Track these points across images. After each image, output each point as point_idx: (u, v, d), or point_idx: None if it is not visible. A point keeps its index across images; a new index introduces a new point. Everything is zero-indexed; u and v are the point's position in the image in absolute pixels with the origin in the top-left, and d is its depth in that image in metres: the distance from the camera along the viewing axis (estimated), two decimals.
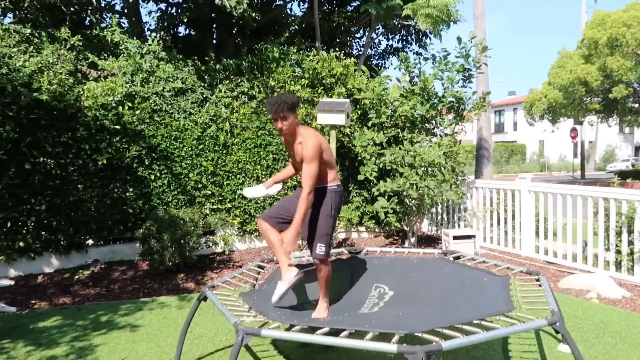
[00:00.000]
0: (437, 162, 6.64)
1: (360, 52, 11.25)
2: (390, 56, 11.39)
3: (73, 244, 6.24)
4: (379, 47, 11.65)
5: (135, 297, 5.33)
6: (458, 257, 4.21)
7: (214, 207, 6.91)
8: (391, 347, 2.36)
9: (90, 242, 6.51)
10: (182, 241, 5.89)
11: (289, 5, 10.49)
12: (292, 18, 10.13)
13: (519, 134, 41.16)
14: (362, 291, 3.71)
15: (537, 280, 3.42)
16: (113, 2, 8.27)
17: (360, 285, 3.79)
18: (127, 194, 6.38)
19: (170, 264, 5.93)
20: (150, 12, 10.00)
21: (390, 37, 10.42)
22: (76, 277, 5.93)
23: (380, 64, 11.86)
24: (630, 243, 5.37)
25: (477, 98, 7.33)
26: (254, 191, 3.87)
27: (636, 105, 21.28)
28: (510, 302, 3.02)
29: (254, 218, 7.15)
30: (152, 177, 6.50)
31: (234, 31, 9.46)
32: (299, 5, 10.62)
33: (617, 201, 5.47)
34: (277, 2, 9.81)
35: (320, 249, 3.34)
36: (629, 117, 21.61)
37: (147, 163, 6.46)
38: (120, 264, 6.47)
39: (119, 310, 4.83)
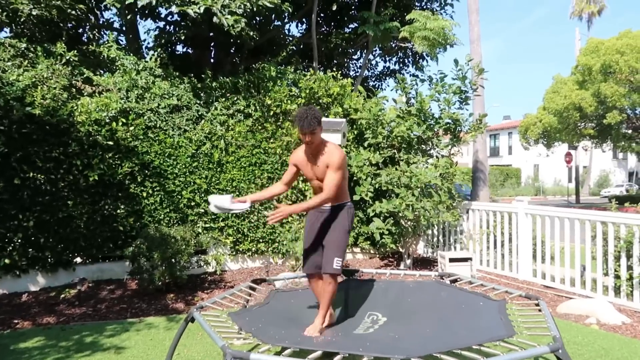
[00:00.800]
0: (434, 183, 6.57)
1: (357, 74, 11.29)
2: (387, 78, 11.43)
3: (60, 261, 6.08)
4: (376, 68, 11.71)
5: (123, 318, 5.16)
6: (455, 280, 4.10)
7: (207, 225, 6.79)
8: None
9: (78, 260, 6.36)
10: (172, 260, 5.75)
11: (287, 27, 10.57)
12: (290, 39, 10.18)
13: (514, 157, 41.35)
14: (355, 317, 3.60)
15: (537, 305, 3.32)
16: (111, 20, 8.29)
17: (353, 311, 3.68)
18: (118, 211, 6.26)
19: (159, 283, 5.78)
20: (148, 30, 10.02)
21: (388, 59, 10.49)
22: (62, 295, 5.76)
23: (377, 86, 11.89)
24: (629, 268, 5.28)
25: (473, 120, 7.32)
26: (218, 200, 3.56)
27: (630, 131, 21.44)
28: (511, 327, 2.91)
29: (247, 237, 7.03)
30: (144, 194, 6.39)
31: (231, 50, 9.48)
32: (297, 26, 10.64)
33: (615, 225, 5.40)
34: (276, 23, 9.86)
35: (337, 263, 3.34)
36: (623, 143, 21.74)
37: (139, 180, 6.36)
38: (108, 282, 6.31)
39: (105, 331, 4.67)
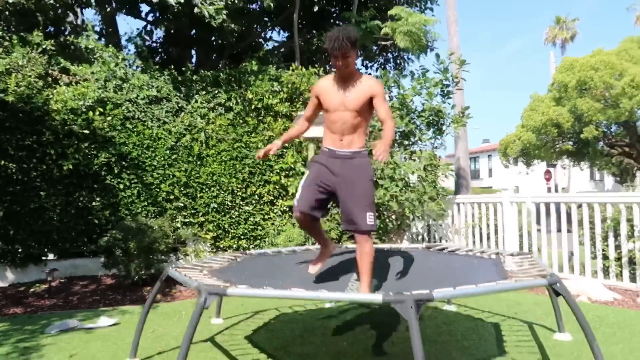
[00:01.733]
0: (418, 174, 6.49)
1: None
2: None
3: (31, 256, 5.79)
4: None
5: (95, 307, 4.88)
6: (443, 249, 3.97)
7: (186, 220, 6.57)
8: (376, 297, 2.08)
9: (50, 255, 6.06)
10: (150, 249, 5.50)
11: (269, 34, 10.62)
12: (272, 43, 10.23)
13: (494, 179, 41.76)
14: (340, 280, 3.41)
15: (530, 256, 3.20)
16: (93, 20, 8.20)
17: (339, 274, 3.49)
18: (94, 203, 6.02)
19: (136, 277, 5.51)
20: (127, 35, 9.97)
21: (369, 65, 10.58)
22: (32, 290, 5.46)
23: None
24: (618, 248, 5.21)
25: (456, 113, 7.32)
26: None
27: (606, 148, 21.87)
28: (505, 273, 2.78)
29: (228, 233, 6.81)
30: (121, 186, 6.17)
31: (213, 56, 9.44)
32: (279, 33, 10.69)
33: (601, 205, 5.36)
34: (258, 29, 9.89)
35: (370, 218, 2.89)
36: (600, 162, 22.14)
37: (116, 171, 6.15)
38: (82, 279, 6.00)
39: (75, 317, 4.38)
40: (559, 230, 5.89)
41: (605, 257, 5.35)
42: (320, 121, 6.52)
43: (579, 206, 5.66)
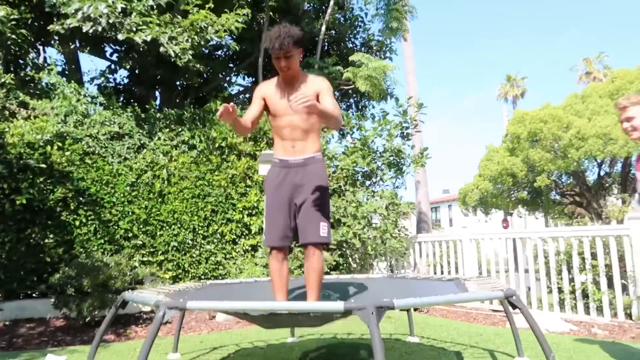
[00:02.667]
0: (380, 212, 6.61)
1: None
2: (333, 131, 11.70)
3: None
4: None
5: (42, 348, 4.59)
6: (404, 277, 4.01)
7: (145, 259, 6.37)
8: (337, 305, 2.08)
9: None
10: (105, 286, 5.27)
11: (234, 79, 10.82)
12: (238, 87, 10.41)
13: (455, 229, 42.62)
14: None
15: (489, 277, 3.27)
16: (55, 59, 8.16)
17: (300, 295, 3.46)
18: (46, 240, 5.79)
19: (89, 317, 5.25)
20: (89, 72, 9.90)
21: None
22: None
23: (322, 136, 12.17)
24: (572, 281, 5.38)
25: (415, 154, 7.57)
26: None
27: (558, 197, 22.83)
28: (465, 290, 2.82)
29: (188, 273, 6.63)
30: (77, 222, 5.97)
31: (178, 98, 9.49)
32: (244, 78, 10.92)
33: (554, 239, 5.56)
34: (223, 74, 10.08)
35: (323, 230, 2.67)
36: (554, 210, 23.03)
37: (72, 207, 5.97)
38: (29, 321, 5.65)
39: (19, 357, 4.11)
40: (516, 270, 6.06)
41: (560, 291, 5.51)
42: None
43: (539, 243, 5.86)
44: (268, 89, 2.90)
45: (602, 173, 20.41)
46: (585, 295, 5.30)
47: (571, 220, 27.96)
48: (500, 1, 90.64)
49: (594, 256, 5.22)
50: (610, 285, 5.02)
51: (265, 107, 2.92)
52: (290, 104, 2.72)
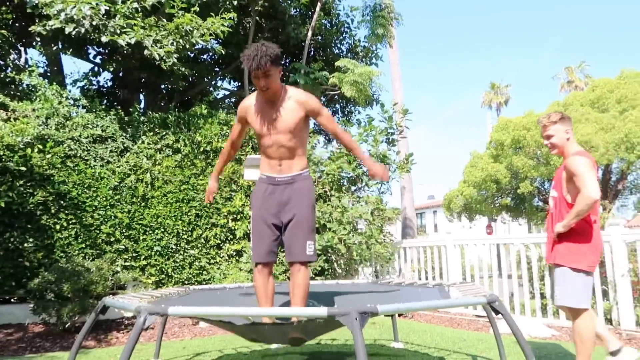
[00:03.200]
0: (365, 218, 6.61)
1: None
2: (318, 136, 11.74)
3: None
4: None
5: (20, 354, 4.49)
6: (389, 283, 4.00)
7: (127, 264, 6.28)
8: (321, 311, 2.06)
9: None
10: (86, 291, 5.18)
11: (220, 83, 10.77)
12: (223, 92, 10.36)
13: (439, 235, 42.88)
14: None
15: (472, 284, 3.29)
16: (37, 61, 8.04)
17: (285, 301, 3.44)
18: (26, 244, 5.67)
19: (68, 323, 5.15)
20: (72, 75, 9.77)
21: None
22: None
23: (307, 141, 12.15)
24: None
25: (400, 159, 7.60)
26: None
27: (541, 204, 23.12)
28: (448, 296, 2.83)
29: (172, 278, 6.55)
30: (58, 226, 5.87)
31: (161, 103, 9.42)
32: (229, 83, 10.88)
33: (536, 245, 5.62)
34: (208, 78, 10.03)
35: (309, 248, 2.70)
36: (537, 217, 23.31)
37: (53, 211, 5.87)
38: (6, 327, 5.53)
39: None
40: (500, 276, 6.11)
41: (542, 296, 5.56)
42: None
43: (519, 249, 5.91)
44: (250, 109, 2.87)
45: None
46: None
47: None
48: (486, 10, 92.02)
49: None
50: None
51: (246, 124, 2.96)
52: (274, 122, 2.74)
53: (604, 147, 16.18)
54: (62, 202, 5.94)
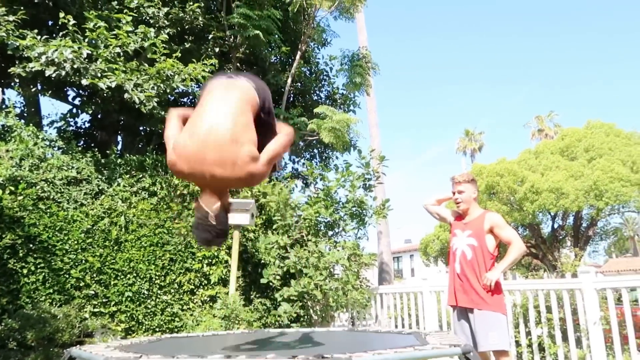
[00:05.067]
0: (342, 263, 6.59)
1: None
2: (296, 180, 11.83)
3: None
4: (285, 169, 12.15)
5: None
6: (365, 331, 3.97)
7: (96, 310, 6.07)
8: None
9: None
10: (51, 340, 4.98)
11: None
12: None
13: (416, 280, 42.74)
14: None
15: (448, 332, 3.28)
16: (15, 101, 8.00)
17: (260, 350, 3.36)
18: None
19: None
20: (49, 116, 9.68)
21: (296, 160, 11.05)
22: None
23: (285, 186, 12.20)
24: (528, 334, 5.45)
25: (377, 205, 7.67)
26: None
27: None
28: (424, 342, 2.82)
29: (142, 325, 6.33)
30: (25, 271, 5.68)
31: (140, 143, 9.41)
32: None
33: (511, 292, 5.67)
34: None
35: None
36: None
37: (21, 255, 5.70)
38: None
39: None
40: None
41: (517, 344, 5.56)
42: (246, 208, 6.57)
43: None
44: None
45: (555, 226, 21.13)
46: (541, 348, 5.37)
47: (528, 272, 28.66)
48: (460, 59, 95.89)
49: (549, 309, 5.34)
50: (565, 338, 5.12)
51: None
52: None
53: (574, 194, 16.63)
54: (31, 245, 5.78)
